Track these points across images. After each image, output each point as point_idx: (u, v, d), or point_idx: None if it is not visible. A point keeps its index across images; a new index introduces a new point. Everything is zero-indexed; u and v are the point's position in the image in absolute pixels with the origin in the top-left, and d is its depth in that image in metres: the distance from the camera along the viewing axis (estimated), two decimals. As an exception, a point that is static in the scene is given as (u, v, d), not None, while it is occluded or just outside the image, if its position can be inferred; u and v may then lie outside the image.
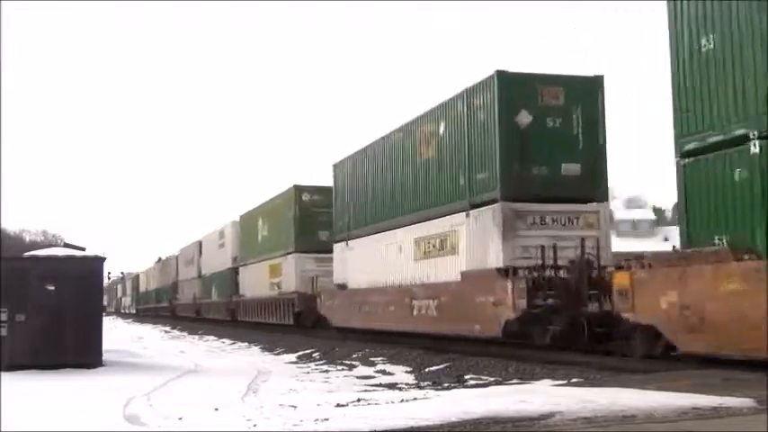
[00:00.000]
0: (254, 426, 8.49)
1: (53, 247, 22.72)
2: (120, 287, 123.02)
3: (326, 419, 8.46)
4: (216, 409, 9.93)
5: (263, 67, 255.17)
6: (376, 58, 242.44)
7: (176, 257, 59.83)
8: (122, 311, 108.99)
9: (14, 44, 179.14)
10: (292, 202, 30.87)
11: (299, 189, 30.83)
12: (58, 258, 16.94)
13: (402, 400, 10.43)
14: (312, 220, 30.03)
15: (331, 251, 26.51)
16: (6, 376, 14.05)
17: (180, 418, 9.30)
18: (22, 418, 9.52)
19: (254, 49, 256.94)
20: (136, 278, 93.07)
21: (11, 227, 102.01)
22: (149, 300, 77.25)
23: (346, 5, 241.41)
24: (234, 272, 40.27)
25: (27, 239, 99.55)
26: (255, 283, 36.49)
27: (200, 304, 48.69)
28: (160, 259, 74.95)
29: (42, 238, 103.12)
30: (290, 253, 31.06)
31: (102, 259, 17.39)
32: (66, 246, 19.41)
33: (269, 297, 33.68)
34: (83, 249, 18.33)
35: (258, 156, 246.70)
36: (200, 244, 49.84)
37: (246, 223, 39.25)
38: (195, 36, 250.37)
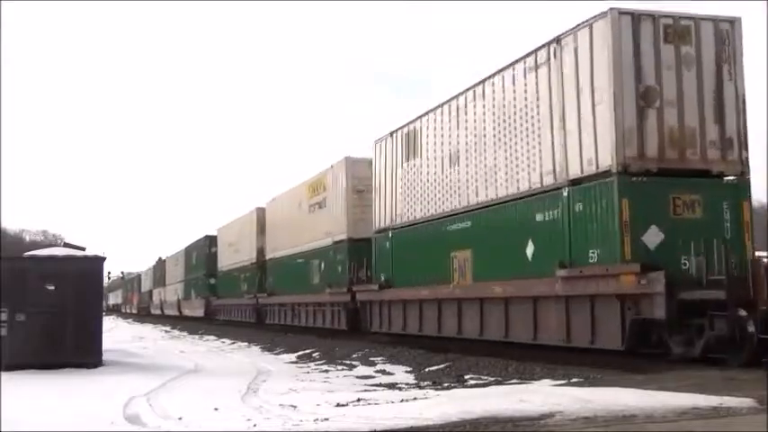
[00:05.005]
0: (254, 426, 8.50)
1: (53, 247, 22.72)
2: (152, 273, 71.07)
3: (326, 419, 8.47)
4: (216, 409, 9.95)
5: (262, 67, 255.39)
6: (375, 60, 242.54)
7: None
8: (154, 313, 65.91)
9: (14, 44, 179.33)
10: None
11: None
12: (58, 258, 16.94)
13: (402, 400, 10.43)
14: None
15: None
16: (6, 376, 14.05)
17: (180, 418, 9.32)
18: (22, 418, 9.52)
19: (256, 49, 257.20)
20: (207, 243, 46.34)
21: (11, 227, 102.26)
22: (283, 285, 31.71)
23: (347, 5, 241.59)
24: None
25: (27, 239, 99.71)
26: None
27: None
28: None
29: (42, 238, 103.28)
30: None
31: (102, 259, 17.41)
32: (66, 246, 19.41)
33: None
34: (83, 249, 18.35)
35: (257, 156, 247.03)
36: None
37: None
38: (193, 36, 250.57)
